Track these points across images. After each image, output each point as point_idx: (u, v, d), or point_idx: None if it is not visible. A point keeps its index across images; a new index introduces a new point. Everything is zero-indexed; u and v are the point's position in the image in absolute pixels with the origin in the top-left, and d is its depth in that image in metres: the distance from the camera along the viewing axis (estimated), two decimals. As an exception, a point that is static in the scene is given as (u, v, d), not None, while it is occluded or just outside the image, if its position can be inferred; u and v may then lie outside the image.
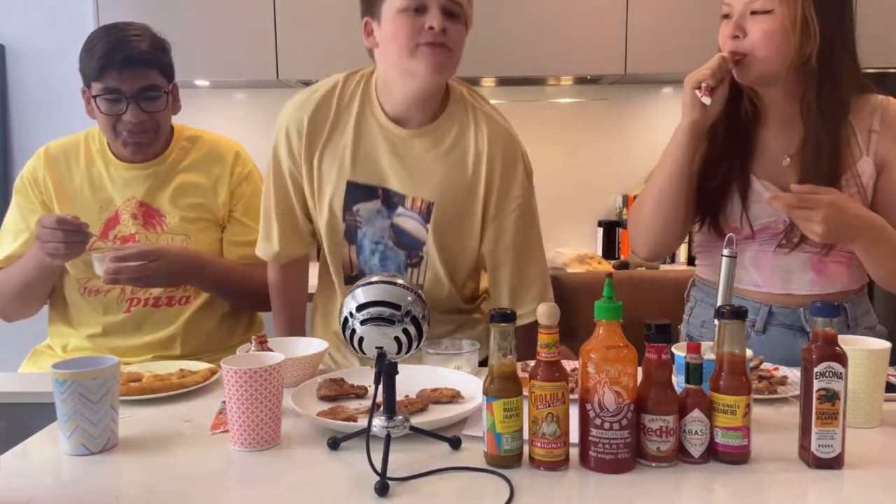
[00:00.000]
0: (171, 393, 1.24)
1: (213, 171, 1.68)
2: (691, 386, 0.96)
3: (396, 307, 0.90)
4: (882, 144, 1.37)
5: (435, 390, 1.18)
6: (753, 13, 1.29)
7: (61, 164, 1.65)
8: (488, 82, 2.99)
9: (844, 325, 1.40)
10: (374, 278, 0.93)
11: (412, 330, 0.91)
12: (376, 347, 0.91)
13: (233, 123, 3.02)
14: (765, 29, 1.28)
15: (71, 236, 1.44)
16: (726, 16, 1.34)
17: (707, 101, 1.29)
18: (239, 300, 1.71)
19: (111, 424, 1.03)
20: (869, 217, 1.30)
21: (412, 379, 1.21)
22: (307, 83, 2.92)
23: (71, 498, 0.89)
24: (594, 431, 0.93)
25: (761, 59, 1.30)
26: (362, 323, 0.90)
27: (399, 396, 1.10)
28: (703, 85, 1.28)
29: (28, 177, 1.66)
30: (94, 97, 1.55)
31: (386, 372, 0.93)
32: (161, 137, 1.64)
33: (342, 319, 0.93)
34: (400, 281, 0.93)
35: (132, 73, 1.53)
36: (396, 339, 0.91)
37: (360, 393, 1.20)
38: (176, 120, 1.70)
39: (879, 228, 1.29)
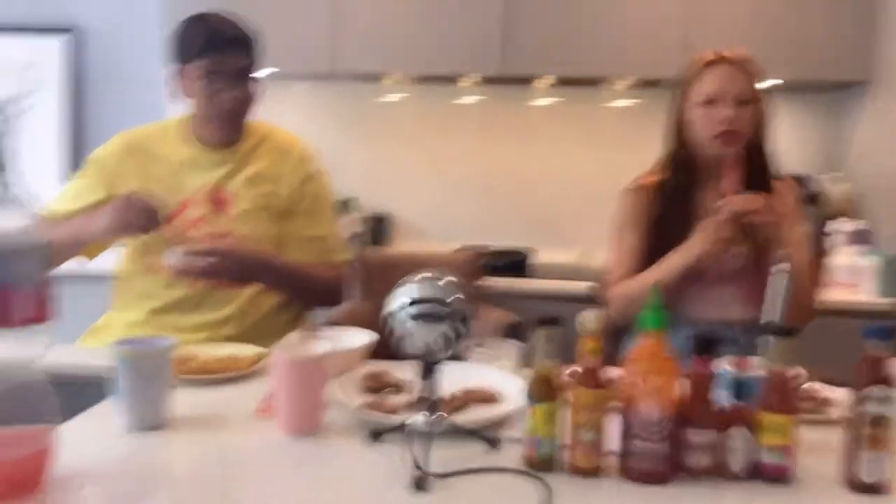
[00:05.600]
0: (222, 375, 1.28)
1: (282, 165, 1.74)
2: (737, 401, 0.96)
3: (445, 304, 0.91)
4: None
5: (476, 389, 1.19)
6: (740, 102, 1.62)
7: (138, 150, 1.71)
8: (544, 82, 2.97)
9: None
10: (425, 274, 0.94)
11: (461, 328, 0.92)
12: (422, 344, 0.93)
13: (290, 114, 3.07)
14: (753, 114, 1.65)
15: (151, 218, 1.49)
16: (710, 102, 1.64)
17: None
18: (298, 299, 1.75)
19: (164, 403, 1.07)
20: None
21: (455, 376, 1.22)
22: (363, 76, 2.96)
23: (124, 472, 0.93)
24: (633, 441, 0.93)
25: (746, 136, 1.63)
26: (413, 318, 0.91)
27: (441, 393, 1.13)
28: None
29: (100, 158, 1.73)
30: (198, 76, 1.60)
31: (430, 369, 0.94)
32: (244, 121, 1.71)
33: (385, 314, 0.94)
34: (450, 278, 0.94)
35: (235, 54, 1.61)
36: (444, 335, 0.92)
37: (402, 386, 1.22)
38: None
39: None
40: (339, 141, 3.11)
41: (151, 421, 1.05)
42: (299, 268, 1.72)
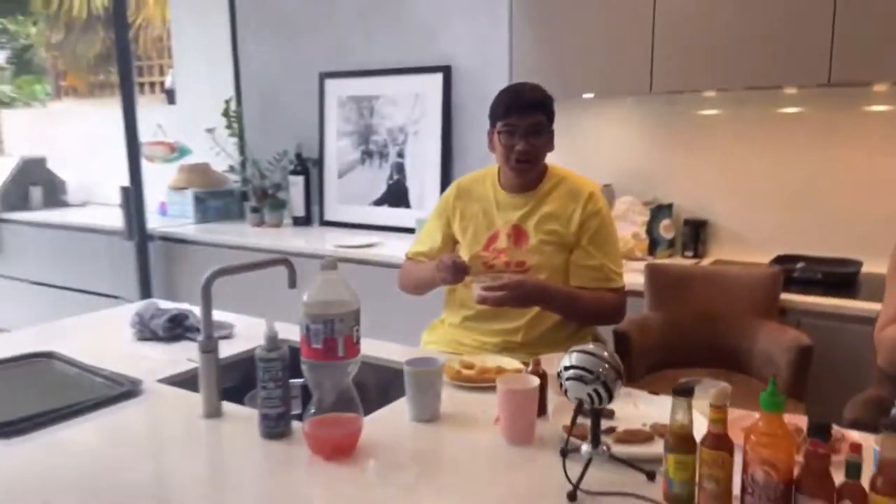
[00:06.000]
0: (487, 384, 1.74)
1: (570, 206, 2.15)
2: (849, 480, 1.09)
3: (591, 372, 1.24)
4: None
5: (664, 426, 1.45)
6: None
7: (467, 195, 2.30)
8: (880, 87, 2.75)
9: None
10: (588, 347, 1.28)
11: (602, 391, 1.24)
12: (575, 398, 1.27)
13: (612, 127, 3.39)
14: None
15: (457, 274, 2.05)
16: None
17: None
18: (573, 321, 2.17)
19: (435, 405, 1.58)
20: None
21: (656, 412, 1.50)
22: (679, 93, 3.12)
23: (401, 451, 1.46)
24: (748, 499, 1.14)
25: None
26: (567, 379, 1.26)
27: (636, 424, 1.44)
28: None
29: (440, 205, 2.36)
30: (498, 132, 2.12)
31: (593, 414, 1.28)
32: (538, 167, 2.17)
33: (559, 370, 1.30)
34: (605, 353, 1.26)
35: (527, 115, 2.08)
36: (589, 394, 1.25)
37: (607, 414, 1.54)
38: (560, 134, 2.20)
39: None
40: (658, 149, 3.32)
41: (426, 416, 1.57)
42: (576, 295, 2.11)
